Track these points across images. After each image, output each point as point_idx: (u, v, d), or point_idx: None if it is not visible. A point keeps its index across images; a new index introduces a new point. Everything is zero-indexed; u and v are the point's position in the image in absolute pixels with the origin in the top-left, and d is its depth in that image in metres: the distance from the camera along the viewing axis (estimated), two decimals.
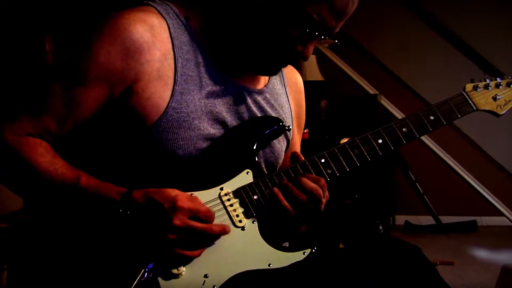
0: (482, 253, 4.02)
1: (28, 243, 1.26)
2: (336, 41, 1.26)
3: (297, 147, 1.55)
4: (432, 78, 4.94)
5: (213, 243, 1.20)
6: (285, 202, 1.23)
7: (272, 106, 1.39)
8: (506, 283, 2.60)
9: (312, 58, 4.87)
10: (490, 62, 4.89)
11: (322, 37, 1.23)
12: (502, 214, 5.08)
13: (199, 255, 1.18)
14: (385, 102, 5.22)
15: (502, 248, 4.13)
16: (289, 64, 1.36)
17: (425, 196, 4.75)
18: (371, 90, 5.32)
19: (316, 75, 4.84)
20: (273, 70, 1.33)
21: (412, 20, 5.17)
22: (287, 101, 1.47)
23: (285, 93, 1.47)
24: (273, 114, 1.38)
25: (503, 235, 4.70)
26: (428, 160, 5.12)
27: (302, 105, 1.54)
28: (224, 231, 1.20)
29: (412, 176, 4.79)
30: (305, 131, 4.40)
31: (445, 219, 4.82)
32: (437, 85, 4.60)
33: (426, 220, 4.87)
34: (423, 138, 5.08)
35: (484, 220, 5.06)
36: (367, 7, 4.95)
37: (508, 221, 5.06)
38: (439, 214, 4.78)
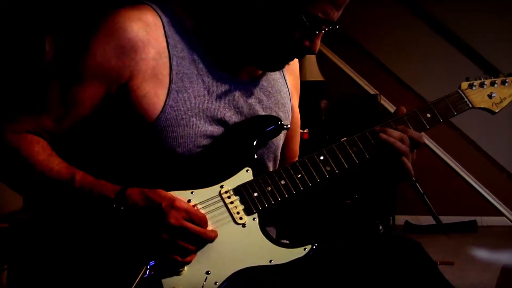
0: (482, 253, 4.02)
1: (28, 243, 1.27)
2: (337, 26, 1.26)
3: (296, 121, 1.54)
4: (432, 78, 4.94)
5: (211, 242, 1.21)
6: (398, 144, 1.27)
7: (269, 94, 1.39)
8: (506, 283, 2.60)
9: (312, 58, 4.88)
10: (490, 62, 4.90)
11: (327, 28, 1.24)
12: (502, 214, 5.08)
13: (190, 261, 1.18)
14: (385, 102, 5.22)
15: (502, 248, 4.13)
16: (297, 58, 1.36)
17: (425, 196, 4.75)
18: (371, 90, 5.33)
19: (316, 75, 4.84)
20: (280, 66, 1.34)
21: (412, 20, 5.17)
22: (285, 84, 1.46)
23: (283, 75, 1.46)
24: (271, 103, 1.38)
25: (503, 235, 4.71)
26: (428, 160, 5.12)
27: (296, 76, 1.53)
28: (216, 237, 1.20)
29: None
30: (305, 131, 4.40)
31: (445, 219, 4.82)
32: (437, 85, 4.59)
33: (426, 220, 4.87)
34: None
35: (484, 220, 5.06)
36: (367, 7, 4.99)
37: (508, 221, 5.06)
38: (439, 214, 4.77)
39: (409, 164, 1.28)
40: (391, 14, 5.20)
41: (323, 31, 1.24)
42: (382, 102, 5.19)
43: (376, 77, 5.33)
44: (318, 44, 1.26)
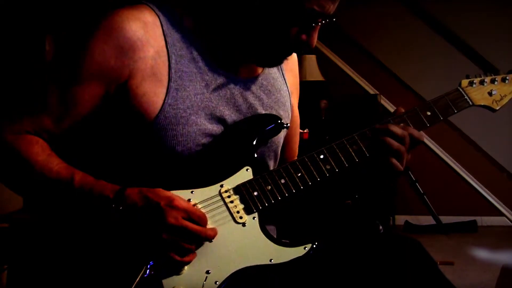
0: (482, 253, 4.02)
1: (28, 243, 1.27)
2: (334, 19, 1.26)
3: (296, 120, 1.55)
4: (432, 78, 4.94)
5: (211, 241, 1.21)
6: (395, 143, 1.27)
7: (269, 92, 1.39)
8: (506, 283, 2.60)
9: (312, 58, 4.88)
10: (490, 62, 4.90)
11: (324, 22, 1.24)
12: (502, 214, 5.08)
13: (190, 261, 1.18)
14: (385, 102, 5.22)
15: (502, 248, 4.13)
16: (296, 53, 1.36)
17: (425, 196, 4.75)
18: (371, 90, 5.33)
19: (316, 75, 4.85)
20: (279, 61, 1.34)
21: (412, 20, 5.17)
22: (284, 83, 1.47)
23: (282, 75, 1.47)
24: (271, 101, 1.39)
25: (503, 235, 4.71)
26: (428, 160, 5.12)
27: (296, 74, 1.54)
28: (215, 236, 1.20)
29: (412, 176, 4.79)
30: (305, 131, 4.40)
31: (445, 219, 4.82)
32: (437, 85, 4.57)
33: (426, 220, 4.86)
34: None
35: (484, 220, 5.06)
36: (367, 7, 5.00)
37: (508, 221, 5.06)
38: (439, 214, 4.78)
39: (398, 164, 1.28)
40: (391, 14, 5.20)
41: (319, 24, 1.24)
42: (382, 102, 5.19)
43: (376, 77, 5.33)
44: (315, 38, 1.26)
